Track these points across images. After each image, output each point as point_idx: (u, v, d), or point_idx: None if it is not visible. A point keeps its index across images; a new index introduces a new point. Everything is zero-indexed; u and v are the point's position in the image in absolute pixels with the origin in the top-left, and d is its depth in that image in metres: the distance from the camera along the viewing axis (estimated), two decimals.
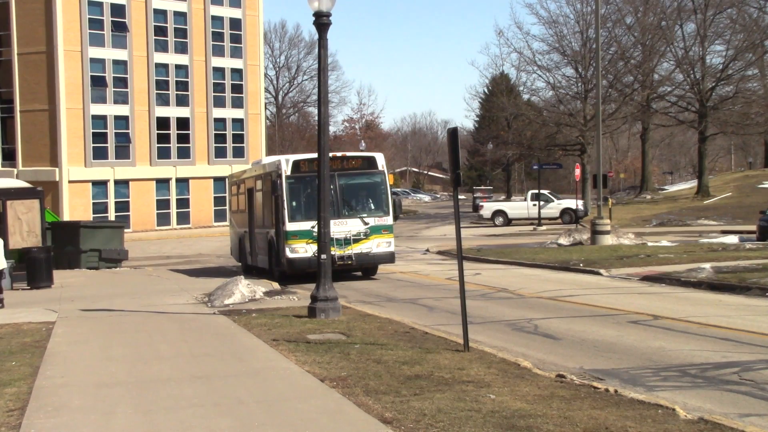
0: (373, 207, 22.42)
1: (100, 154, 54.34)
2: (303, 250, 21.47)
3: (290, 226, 21.54)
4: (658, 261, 22.94)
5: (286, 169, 21.88)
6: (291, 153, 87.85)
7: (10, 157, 54.04)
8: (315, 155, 22.57)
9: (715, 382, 9.44)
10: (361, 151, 59.73)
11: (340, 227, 21.30)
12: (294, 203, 21.83)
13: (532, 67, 62.00)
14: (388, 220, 22.33)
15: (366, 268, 22.97)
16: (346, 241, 21.64)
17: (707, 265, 20.17)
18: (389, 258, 22.45)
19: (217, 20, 60.28)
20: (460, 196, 12.19)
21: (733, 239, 30.48)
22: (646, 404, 8.09)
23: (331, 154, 21.90)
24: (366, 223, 21.93)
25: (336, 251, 21.03)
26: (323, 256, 14.35)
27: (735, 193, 57.93)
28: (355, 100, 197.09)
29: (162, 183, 57.32)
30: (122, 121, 55.44)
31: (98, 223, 35.29)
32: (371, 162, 22.70)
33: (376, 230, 21.99)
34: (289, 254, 21.56)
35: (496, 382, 9.13)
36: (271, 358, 11.08)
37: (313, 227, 20.09)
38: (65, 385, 9.79)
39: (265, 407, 8.45)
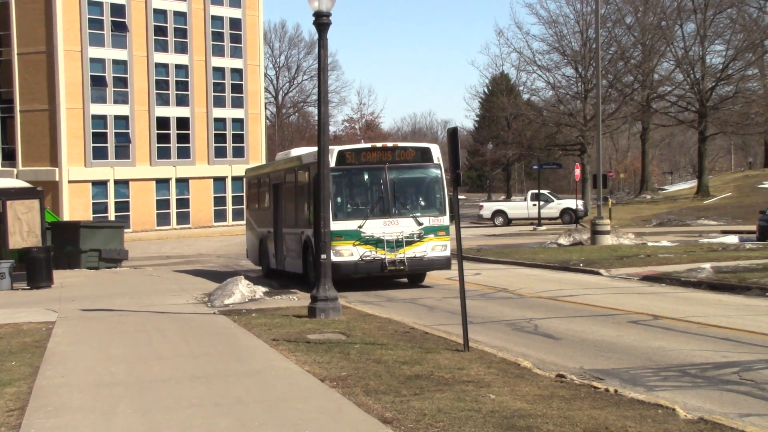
0: (427, 205, 19.93)
1: (100, 154, 54.35)
2: (348, 253, 19.05)
3: (334, 226, 18.41)
4: (658, 261, 22.94)
5: (330, 160, 18.88)
6: None
7: (10, 157, 54.05)
8: (363, 145, 20.78)
9: (715, 382, 9.44)
10: None
11: (390, 227, 19.28)
12: (339, 199, 19.49)
13: (532, 67, 62.15)
14: (445, 220, 19.87)
15: (418, 274, 20.64)
16: (398, 244, 19.21)
17: (707, 265, 20.17)
18: (445, 263, 19.77)
19: (217, 20, 60.30)
20: (460, 196, 12.29)
21: (733, 239, 30.49)
22: (646, 404, 8.10)
23: (380, 145, 20.43)
24: (420, 224, 19.46)
25: (386, 255, 19.05)
26: (323, 256, 14.36)
27: (735, 193, 57.95)
28: (355, 100, 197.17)
29: (162, 183, 57.33)
30: (122, 121, 55.46)
31: (98, 223, 35.26)
32: (426, 154, 20.24)
33: (431, 231, 19.50)
34: (332, 258, 18.27)
35: (496, 382, 9.13)
36: (271, 358, 11.08)
37: (360, 227, 19.01)
38: (65, 385, 9.79)
39: (265, 407, 8.45)
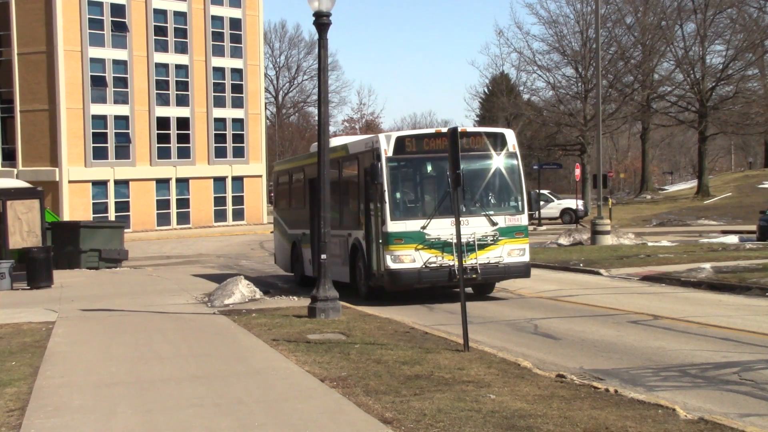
0: (502, 201, 17.22)
1: (100, 154, 54.34)
2: (410, 258, 16.31)
3: (393, 226, 16.29)
4: (658, 261, 22.94)
5: (387, 148, 16.68)
6: (291, 154, 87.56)
7: (10, 157, 54.04)
8: (426, 131, 17.89)
9: (715, 382, 9.44)
10: None
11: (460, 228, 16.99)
12: (397, 195, 16.77)
13: (532, 67, 62.18)
14: (523, 219, 17.08)
15: (489, 284, 17.75)
16: (469, 247, 16.18)
17: (707, 265, 20.17)
18: (524, 270, 17.06)
19: (217, 20, 60.29)
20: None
21: (733, 239, 30.50)
22: (646, 404, 8.09)
23: (446, 130, 16.78)
24: (494, 223, 16.61)
25: (455, 261, 15.93)
26: (323, 257, 14.36)
27: (735, 193, 57.98)
28: (355, 100, 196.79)
29: (162, 183, 57.32)
30: (122, 121, 55.45)
31: (98, 223, 35.27)
32: (500, 140, 17.32)
33: (506, 233, 16.70)
34: (390, 264, 16.32)
35: (496, 382, 9.13)
36: (271, 358, 11.08)
37: (423, 228, 16.25)
38: (65, 385, 9.79)
39: (265, 407, 8.45)
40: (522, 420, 7.59)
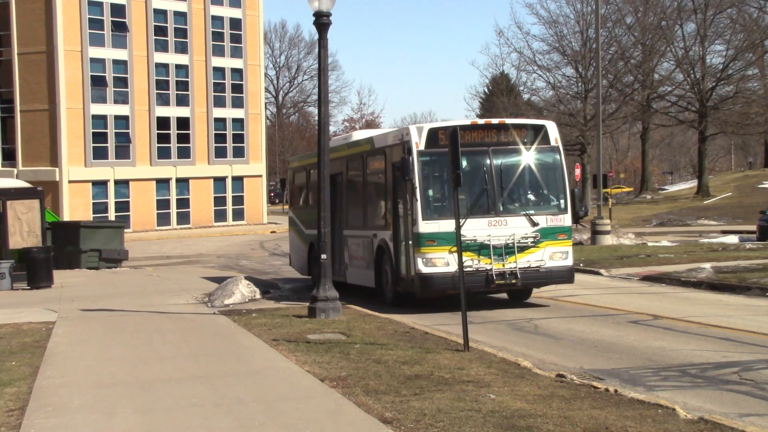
0: (543, 200, 16.01)
1: (100, 154, 54.33)
2: (443, 262, 15.08)
3: (425, 227, 15.08)
4: (658, 261, 22.95)
5: (419, 141, 15.40)
6: (291, 154, 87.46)
7: (10, 157, 54.03)
8: (460, 122, 16.81)
9: (715, 382, 9.44)
10: None
11: (497, 229, 15.22)
12: (430, 192, 15.51)
13: (532, 66, 62.01)
14: (566, 219, 15.79)
15: (528, 290, 16.68)
16: (508, 250, 15.17)
17: (707, 265, 20.18)
18: (567, 275, 15.87)
19: (217, 20, 60.28)
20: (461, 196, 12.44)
21: (733, 239, 30.53)
22: (646, 404, 8.09)
23: (483, 121, 16.48)
24: (534, 224, 15.44)
25: (492, 265, 15.00)
26: (323, 257, 14.35)
27: (735, 193, 58.00)
28: (355, 100, 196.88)
29: (162, 183, 57.30)
30: (122, 121, 55.44)
31: (98, 223, 35.28)
32: (541, 133, 16.08)
33: (548, 234, 15.49)
34: (422, 268, 15.15)
35: (496, 382, 9.13)
36: (271, 358, 11.08)
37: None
38: (65, 385, 9.79)
39: (265, 407, 8.45)
40: (522, 420, 7.59)
